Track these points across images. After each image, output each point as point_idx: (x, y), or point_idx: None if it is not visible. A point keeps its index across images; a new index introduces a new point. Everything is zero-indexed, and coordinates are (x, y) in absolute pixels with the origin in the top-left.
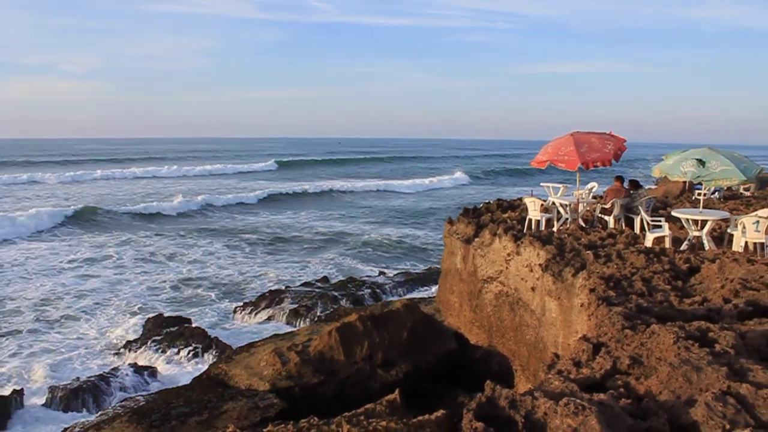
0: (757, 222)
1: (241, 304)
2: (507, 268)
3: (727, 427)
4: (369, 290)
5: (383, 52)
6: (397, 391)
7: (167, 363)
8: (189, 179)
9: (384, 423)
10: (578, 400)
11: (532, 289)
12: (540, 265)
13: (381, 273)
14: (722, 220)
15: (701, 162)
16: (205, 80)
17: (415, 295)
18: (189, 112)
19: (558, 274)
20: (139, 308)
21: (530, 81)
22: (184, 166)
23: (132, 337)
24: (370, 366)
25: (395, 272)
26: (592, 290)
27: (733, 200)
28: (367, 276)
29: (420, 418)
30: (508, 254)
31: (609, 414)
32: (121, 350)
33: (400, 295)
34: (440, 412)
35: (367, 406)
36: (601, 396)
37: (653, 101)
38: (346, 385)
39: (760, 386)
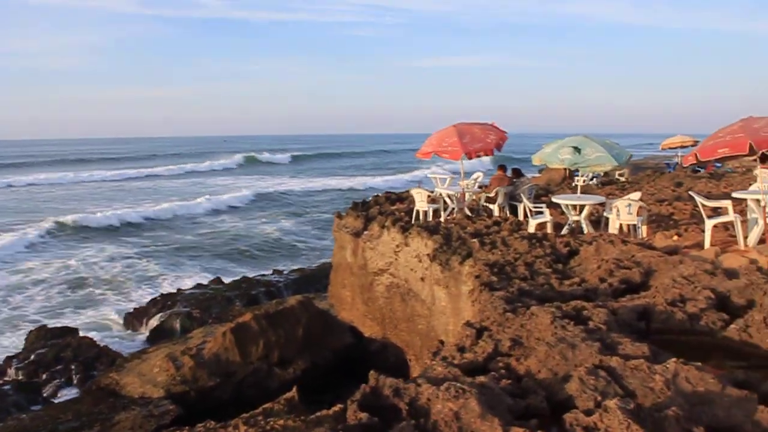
0: (630, 205)
1: (131, 310)
2: (396, 259)
3: (599, 398)
4: (263, 289)
5: (274, 49)
6: (294, 389)
7: (53, 377)
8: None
9: (281, 422)
10: (458, 384)
11: (422, 279)
12: (428, 254)
13: (275, 271)
14: (599, 204)
15: (577, 149)
16: (94, 78)
17: (310, 292)
18: (77, 111)
19: (445, 263)
20: (18, 321)
21: (419, 75)
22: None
23: (12, 352)
24: (267, 365)
25: (289, 270)
26: (477, 277)
27: (609, 185)
28: (260, 275)
29: (318, 414)
30: (397, 246)
31: (489, 395)
32: (1, 367)
33: (295, 293)
34: (338, 407)
35: (265, 405)
36: (482, 378)
37: (537, 93)
38: (244, 386)
39: (628, 358)
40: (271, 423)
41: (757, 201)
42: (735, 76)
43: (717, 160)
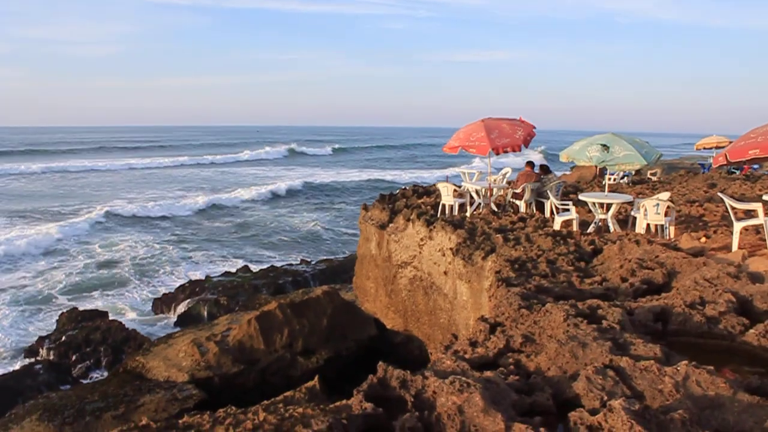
0: (657, 205)
1: (160, 295)
2: (420, 252)
3: (605, 398)
4: (290, 278)
5: (306, 40)
6: (316, 378)
7: (83, 359)
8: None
9: (301, 410)
10: (464, 378)
11: (445, 273)
12: (451, 249)
13: (303, 261)
14: (626, 203)
15: (605, 147)
16: (123, 66)
17: (337, 282)
18: (104, 99)
19: (468, 258)
20: (51, 303)
21: (452, 69)
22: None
23: (45, 333)
24: (291, 354)
25: (316, 260)
26: (497, 272)
27: (640, 185)
28: (288, 264)
29: (338, 403)
30: (422, 239)
31: (494, 391)
32: (34, 347)
33: (322, 283)
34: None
35: (287, 393)
36: (488, 373)
37: (569, 89)
38: (267, 374)
39: (639, 359)
40: (291, 411)
41: None
42: None
43: (750, 161)
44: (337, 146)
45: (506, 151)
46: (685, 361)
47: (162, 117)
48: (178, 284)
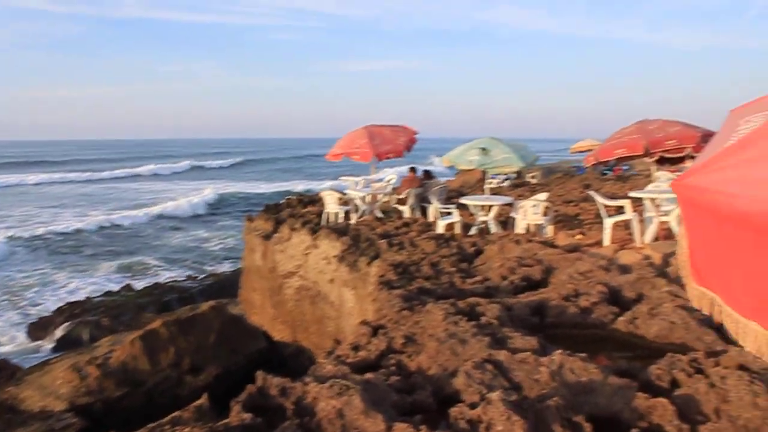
0: (536, 205)
1: (36, 320)
2: (306, 261)
3: (484, 391)
4: (176, 295)
5: (190, 51)
6: (204, 396)
7: None
8: None
9: (188, 429)
10: (343, 381)
11: (331, 281)
12: (336, 256)
13: (189, 277)
14: (507, 205)
15: (485, 150)
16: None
17: (225, 297)
18: None
19: (353, 264)
20: None
21: (339, 79)
22: None
23: None
24: (178, 372)
25: (203, 275)
26: (380, 276)
27: (521, 187)
28: (173, 281)
29: (225, 420)
30: (306, 248)
31: (374, 392)
32: None
33: (209, 299)
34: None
35: (174, 414)
36: (368, 375)
37: (453, 97)
38: (154, 395)
39: (517, 351)
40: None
41: (653, 200)
42: (640, 83)
43: (620, 160)
44: (240, 159)
45: (389, 157)
46: (560, 351)
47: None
48: (55, 307)
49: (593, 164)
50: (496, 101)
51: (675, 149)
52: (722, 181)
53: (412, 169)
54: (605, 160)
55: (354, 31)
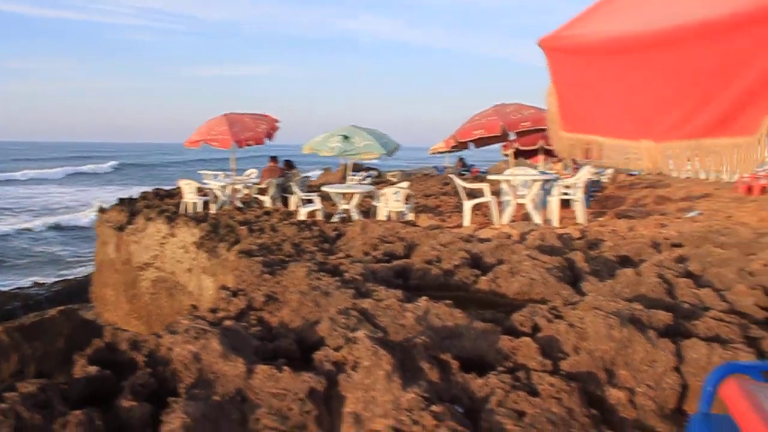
0: (397, 192)
1: None
2: (162, 251)
3: (349, 334)
4: (19, 303)
5: (41, 47)
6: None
7: None
8: None
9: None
10: (199, 326)
11: (189, 270)
12: (194, 243)
13: (36, 284)
14: (368, 194)
15: (346, 138)
16: None
17: (76, 303)
18: None
19: (212, 250)
20: None
21: (202, 83)
22: None
23: None
24: (22, 380)
25: (52, 281)
26: (240, 251)
27: (381, 185)
28: (17, 288)
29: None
30: (163, 237)
31: (233, 337)
32: None
33: (59, 305)
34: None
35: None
36: (227, 323)
37: (314, 103)
38: None
39: (381, 299)
40: None
41: (509, 183)
42: (496, 95)
43: (473, 141)
44: (117, 162)
45: (249, 144)
46: (426, 297)
47: None
48: None
49: (452, 147)
50: (359, 108)
51: (530, 131)
52: (588, 25)
53: (273, 159)
54: (465, 140)
55: (215, 34)
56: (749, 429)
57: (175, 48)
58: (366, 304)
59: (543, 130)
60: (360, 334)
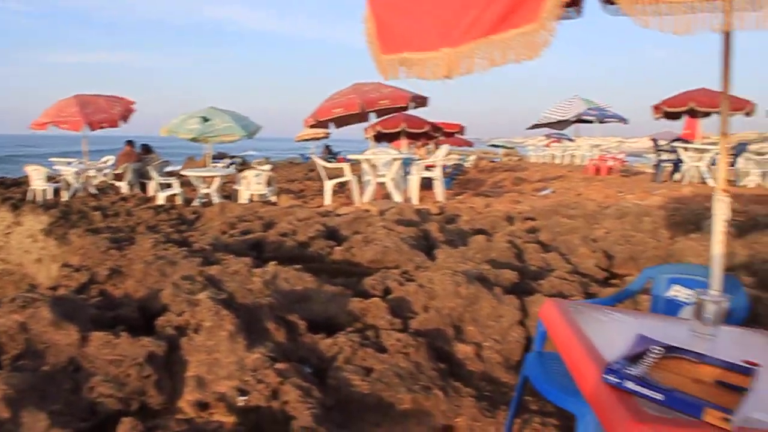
0: (259, 174)
1: None
2: (7, 242)
3: (193, 298)
4: None
5: None
6: None
7: None
8: None
9: None
10: (27, 295)
11: (38, 260)
12: (43, 230)
13: None
14: (230, 178)
15: (205, 119)
16: None
17: None
18: None
19: (63, 237)
20: None
21: (56, 70)
22: None
23: None
24: None
25: None
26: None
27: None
28: None
29: None
30: (7, 227)
31: (66, 306)
32: None
33: None
34: None
35: None
36: (61, 291)
37: (180, 92)
38: None
39: (229, 266)
40: None
41: (370, 164)
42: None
43: (333, 121)
44: None
45: (102, 127)
46: (275, 262)
47: None
48: None
49: (311, 126)
50: (227, 97)
51: (389, 110)
52: None
53: (130, 143)
54: (325, 119)
55: (67, 18)
56: (560, 340)
57: (19, 32)
58: (213, 270)
59: (404, 108)
60: (202, 295)
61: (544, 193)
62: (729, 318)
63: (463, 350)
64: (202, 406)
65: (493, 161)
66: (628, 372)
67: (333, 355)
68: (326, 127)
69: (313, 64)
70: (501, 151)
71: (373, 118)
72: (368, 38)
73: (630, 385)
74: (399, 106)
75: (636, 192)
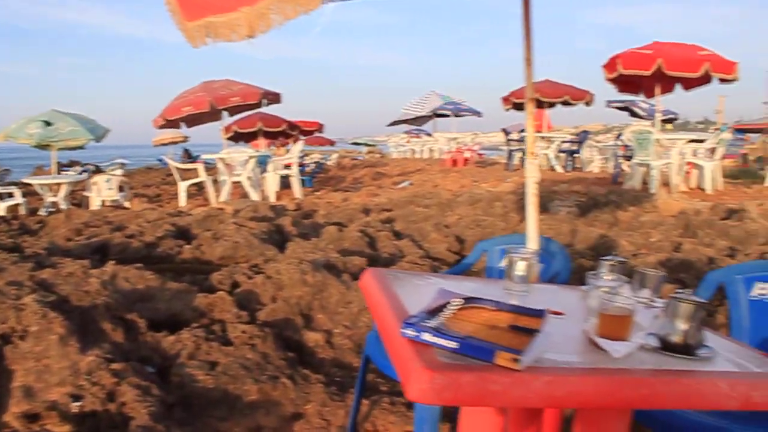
0: (110, 180)
1: None
2: None
3: (19, 303)
4: None
5: None
6: None
7: None
8: None
9: None
10: None
11: None
12: None
13: None
14: (81, 184)
15: (48, 123)
16: None
17: None
18: None
19: None
20: None
21: None
22: None
23: None
24: None
25: None
26: None
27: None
28: None
29: None
30: None
31: None
32: None
33: None
34: None
35: None
36: None
37: (22, 102)
38: None
39: (65, 268)
40: None
41: (224, 163)
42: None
43: (184, 120)
44: None
45: None
46: (113, 262)
47: None
48: None
49: (161, 126)
50: (81, 107)
51: (239, 105)
52: None
53: None
54: (174, 118)
55: None
56: (373, 306)
57: None
58: (45, 274)
59: (257, 105)
60: (28, 299)
61: (402, 185)
62: (553, 279)
63: (313, 338)
64: (32, 417)
65: (355, 159)
66: (425, 324)
67: (176, 351)
68: (177, 126)
69: (168, 66)
70: (364, 149)
71: (227, 117)
72: (169, 7)
73: (427, 336)
74: (251, 102)
75: (490, 180)
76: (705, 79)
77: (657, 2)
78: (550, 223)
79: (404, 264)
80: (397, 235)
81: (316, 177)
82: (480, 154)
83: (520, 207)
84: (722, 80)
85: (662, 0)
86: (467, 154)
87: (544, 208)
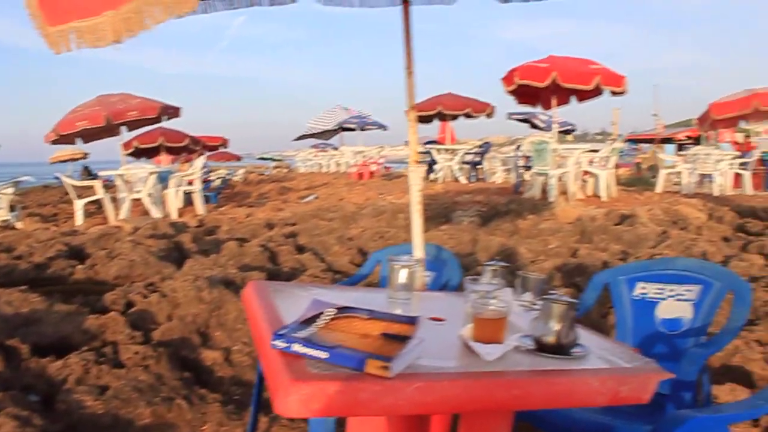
0: None
1: None
2: None
3: None
4: None
5: None
6: None
7: None
8: None
9: None
10: None
11: None
12: None
13: None
14: None
15: None
16: None
17: None
18: None
19: None
20: None
21: None
22: None
23: None
24: None
25: None
26: None
27: None
28: None
29: None
30: None
31: None
32: None
33: None
34: None
35: None
36: None
37: None
38: None
39: None
40: None
41: (123, 180)
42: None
43: (80, 135)
44: None
45: None
46: None
47: None
48: None
49: (53, 141)
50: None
51: (138, 119)
52: None
53: None
54: (67, 132)
55: None
56: (251, 318)
57: None
58: None
59: (156, 120)
60: None
61: (307, 199)
62: (444, 287)
63: (211, 356)
64: None
65: (262, 174)
66: (296, 335)
67: (63, 377)
68: (72, 142)
69: (70, 79)
70: (271, 164)
71: (125, 132)
72: (30, 11)
73: (297, 347)
74: (150, 117)
75: (395, 193)
76: (597, 92)
77: (555, 17)
78: (452, 233)
79: (305, 278)
80: (300, 249)
81: (221, 193)
82: (387, 167)
83: (425, 218)
84: (613, 93)
85: (560, 15)
86: (373, 167)
87: (446, 218)
